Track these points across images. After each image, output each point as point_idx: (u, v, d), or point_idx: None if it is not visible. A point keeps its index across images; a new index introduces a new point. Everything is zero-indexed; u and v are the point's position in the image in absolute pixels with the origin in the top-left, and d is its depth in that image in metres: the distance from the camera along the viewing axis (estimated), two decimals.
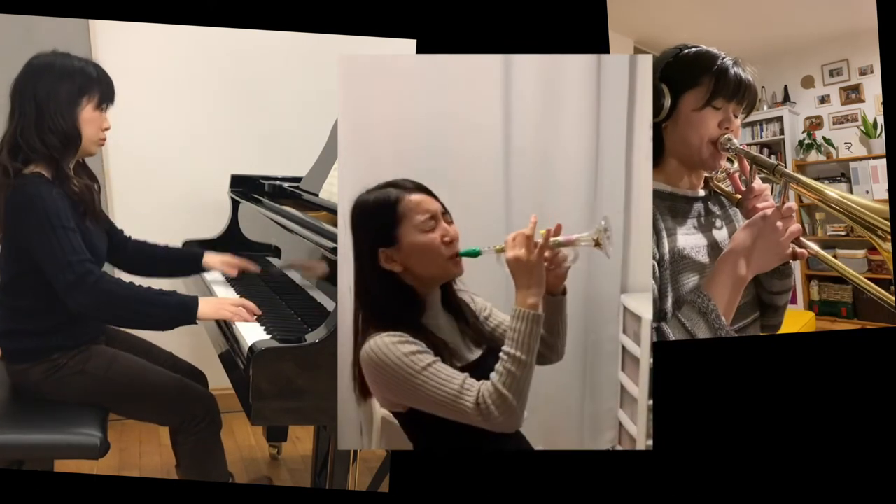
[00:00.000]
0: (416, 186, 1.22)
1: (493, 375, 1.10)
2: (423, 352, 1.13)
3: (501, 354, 1.10)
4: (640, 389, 2.34)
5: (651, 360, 2.26)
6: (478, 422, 1.09)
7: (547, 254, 1.15)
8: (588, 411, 2.62)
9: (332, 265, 1.76)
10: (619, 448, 2.69)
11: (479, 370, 1.17)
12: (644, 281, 2.53)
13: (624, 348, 2.53)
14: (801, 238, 1.35)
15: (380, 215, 1.19)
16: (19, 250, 1.72)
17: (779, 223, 1.30)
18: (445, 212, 1.23)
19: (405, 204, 1.19)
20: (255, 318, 1.80)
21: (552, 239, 1.16)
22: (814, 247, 1.38)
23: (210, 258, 2.17)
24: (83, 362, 1.79)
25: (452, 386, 1.10)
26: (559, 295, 1.24)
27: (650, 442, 2.34)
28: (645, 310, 2.30)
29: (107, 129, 1.81)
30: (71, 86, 1.73)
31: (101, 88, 1.78)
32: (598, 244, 1.15)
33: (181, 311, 1.74)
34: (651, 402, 2.30)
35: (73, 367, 1.77)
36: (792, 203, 1.35)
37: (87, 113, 1.75)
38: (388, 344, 1.13)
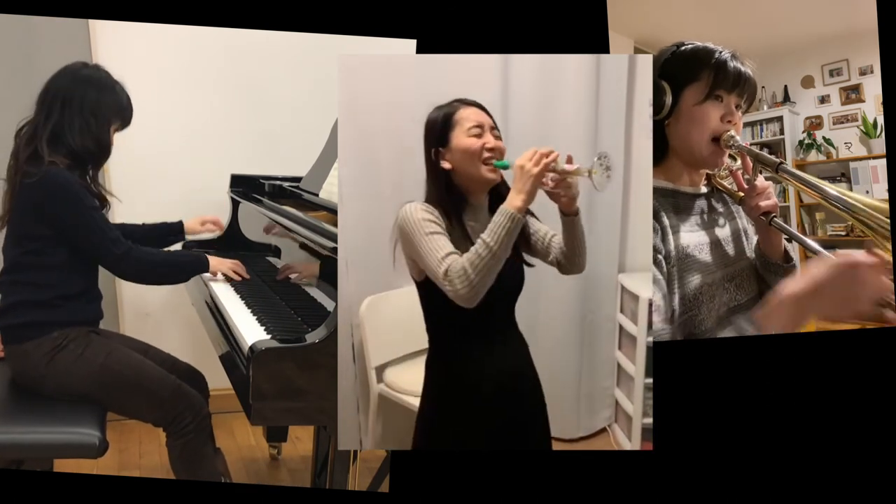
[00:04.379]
0: (473, 103, 1.44)
1: (465, 254, 1.27)
2: (435, 223, 1.34)
3: (477, 240, 1.27)
4: (636, 368, 2.36)
5: (649, 340, 2.27)
6: (445, 288, 1.28)
7: (553, 176, 1.33)
8: (585, 390, 2.64)
9: (326, 265, 1.77)
10: (615, 426, 2.70)
11: None
12: (641, 260, 2.55)
13: (621, 327, 2.54)
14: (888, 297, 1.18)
15: (440, 120, 1.42)
16: (28, 235, 1.80)
17: (870, 277, 1.13)
18: (495, 127, 1.43)
19: (459, 114, 1.41)
20: (255, 316, 1.84)
21: (553, 163, 1.30)
22: None
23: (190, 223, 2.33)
24: (82, 346, 1.81)
25: (439, 253, 1.29)
26: (572, 215, 1.39)
27: (647, 420, 2.35)
28: (642, 288, 2.31)
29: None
30: (111, 106, 1.89)
31: (124, 116, 1.94)
32: (590, 175, 1.29)
33: (197, 266, 2.07)
34: (648, 380, 2.31)
35: (72, 349, 1.80)
36: (887, 256, 1.16)
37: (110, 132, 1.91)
38: (414, 208, 1.36)
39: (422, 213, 1.35)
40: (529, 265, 1.49)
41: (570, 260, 1.45)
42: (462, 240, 1.37)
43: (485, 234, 1.26)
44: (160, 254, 1.99)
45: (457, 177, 1.41)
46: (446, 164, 1.41)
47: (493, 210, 1.41)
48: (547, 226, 1.51)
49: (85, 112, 1.84)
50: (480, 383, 1.43)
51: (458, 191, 1.42)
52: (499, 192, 1.43)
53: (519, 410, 1.48)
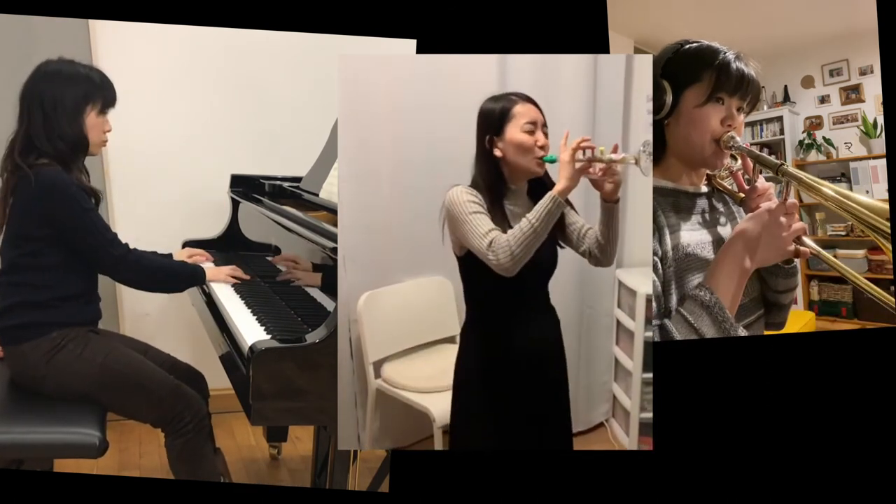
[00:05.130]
0: (528, 99, 1.54)
1: (510, 230, 1.42)
2: (477, 203, 1.48)
3: (522, 218, 1.41)
4: (634, 363, 2.36)
5: (647, 335, 2.28)
6: (488, 258, 1.41)
7: (601, 166, 1.43)
8: (583, 384, 2.65)
9: (323, 268, 1.77)
10: (612, 420, 2.70)
11: None
12: (639, 256, 2.56)
13: (618, 322, 2.55)
14: (803, 237, 1.34)
15: (497, 112, 1.53)
16: (25, 236, 1.79)
17: (783, 218, 1.30)
18: (545, 125, 1.53)
19: (516, 108, 1.52)
20: (255, 316, 1.85)
21: (599, 153, 1.42)
22: (815, 246, 1.36)
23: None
24: (81, 346, 1.81)
25: (482, 230, 1.43)
26: (612, 202, 1.48)
27: (644, 415, 2.36)
28: (640, 284, 2.32)
29: (108, 131, 1.92)
30: (76, 93, 1.84)
31: (103, 94, 1.88)
32: (637, 163, 1.37)
33: (194, 278, 2.07)
34: (646, 375, 2.31)
35: (71, 349, 1.80)
36: (794, 200, 1.34)
37: (91, 119, 1.86)
38: (459, 191, 1.50)
39: (466, 195, 1.48)
40: (562, 247, 1.61)
41: (603, 249, 1.53)
42: (501, 221, 1.49)
43: (529, 213, 1.40)
44: (158, 259, 1.97)
45: (505, 165, 1.54)
46: (498, 153, 1.52)
47: (531, 194, 1.57)
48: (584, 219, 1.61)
49: (47, 110, 1.80)
50: (512, 347, 1.55)
51: (502, 177, 1.55)
52: (539, 180, 1.55)
53: (545, 375, 1.60)
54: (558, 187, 1.40)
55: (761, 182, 1.42)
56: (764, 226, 1.30)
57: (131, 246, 1.92)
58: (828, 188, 1.31)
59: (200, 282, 2.08)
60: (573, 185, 1.41)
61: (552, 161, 1.49)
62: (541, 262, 1.47)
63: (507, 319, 1.55)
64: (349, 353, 2.23)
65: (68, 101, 1.82)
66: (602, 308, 2.62)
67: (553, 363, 1.63)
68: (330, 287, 1.79)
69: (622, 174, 1.44)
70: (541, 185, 1.55)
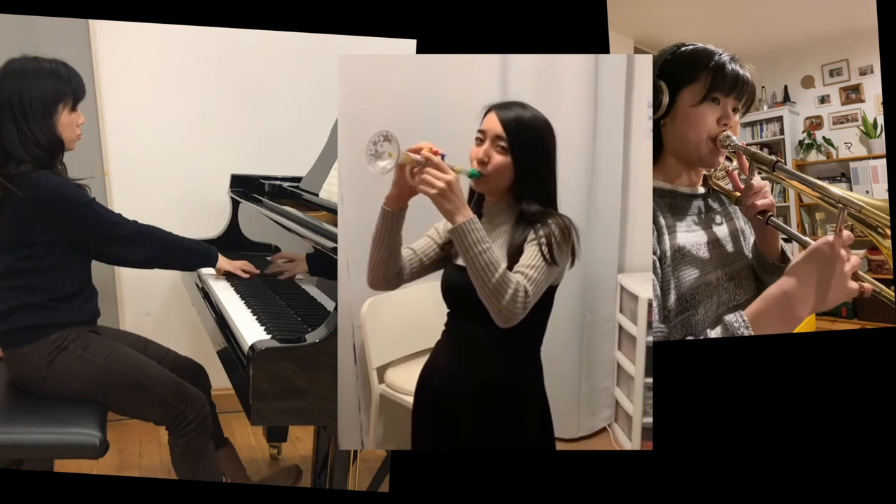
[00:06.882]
0: (496, 108, 1.37)
1: None
2: (434, 229, 1.50)
3: None
4: (636, 367, 2.36)
5: (649, 339, 2.28)
6: None
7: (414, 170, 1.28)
8: (585, 390, 2.65)
9: (324, 263, 1.77)
10: (615, 425, 2.71)
11: None
12: (641, 261, 2.56)
13: (621, 327, 2.55)
14: (858, 271, 1.22)
15: None
16: (19, 242, 1.78)
17: (843, 252, 1.18)
18: (501, 137, 1.34)
19: (482, 120, 1.39)
20: (255, 315, 1.85)
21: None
22: (874, 282, 1.25)
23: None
24: (83, 347, 1.81)
25: None
26: (453, 228, 1.26)
27: (647, 420, 2.36)
28: (642, 288, 2.32)
29: (81, 124, 1.87)
30: (44, 94, 1.78)
31: (72, 90, 1.83)
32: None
33: (207, 257, 2.06)
34: (648, 380, 2.31)
35: (72, 350, 1.80)
36: (849, 232, 1.21)
37: (63, 118, 1.82)
38: None
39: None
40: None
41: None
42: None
43: None
44: (168, 233, 1.93)
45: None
46: None
47: (518, 219, 1.38)
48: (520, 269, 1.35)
49: (17, 116, 1.75)
50: (423, 379, 1.54)
51: (479, 193, 1.43)
52: (513, 189, 1.37)
53: (452, 412, 1.44)
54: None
55: (757, 180, 1.42)
56: (823, 261, 1.18)
57: None
58: (827, 186, 1.32)
59: (213, 262, 2.06)
60: (393, 191, 1.35)
61: (473, 176, 1.34)
62: (459, 289, 1.35)
63: (437, 346, 1.56)
64: (353, 358, 2.23)
65: (37, 105, 1.77)
66: (603, 313, 2.62)
67: (458, 396, 1.44)
68: (317, 272, 1.78)
69: (422, 177, 1.26)
70: (522, 194, 1.37)
